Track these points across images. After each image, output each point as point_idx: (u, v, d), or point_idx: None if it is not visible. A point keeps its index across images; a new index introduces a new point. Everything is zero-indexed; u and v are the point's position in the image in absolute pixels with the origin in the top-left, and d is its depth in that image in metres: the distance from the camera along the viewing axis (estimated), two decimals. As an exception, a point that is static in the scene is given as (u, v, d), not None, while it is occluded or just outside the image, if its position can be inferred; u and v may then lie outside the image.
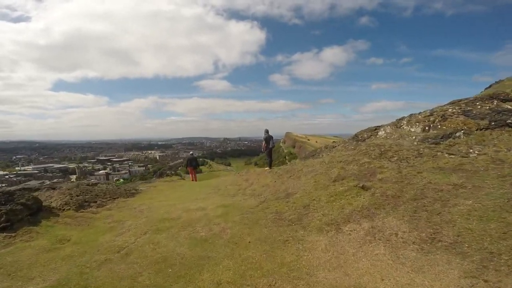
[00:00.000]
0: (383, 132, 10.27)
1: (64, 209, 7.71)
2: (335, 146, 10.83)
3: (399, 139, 9.28)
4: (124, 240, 5.77)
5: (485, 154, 7.20)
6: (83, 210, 7.87)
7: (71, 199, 8.30)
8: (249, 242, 5.19)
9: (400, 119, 10.57)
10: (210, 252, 4.97)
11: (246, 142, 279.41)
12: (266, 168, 13.70)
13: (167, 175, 18.49)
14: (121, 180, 18.58)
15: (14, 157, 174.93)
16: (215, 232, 5.72)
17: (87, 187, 9.86)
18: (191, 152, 20.21)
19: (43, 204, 7.54)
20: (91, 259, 5.02)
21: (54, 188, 9.44)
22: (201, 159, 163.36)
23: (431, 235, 4.56)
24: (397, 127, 10.17)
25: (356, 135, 11.07)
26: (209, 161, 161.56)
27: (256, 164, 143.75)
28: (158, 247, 5.31)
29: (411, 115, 10.52)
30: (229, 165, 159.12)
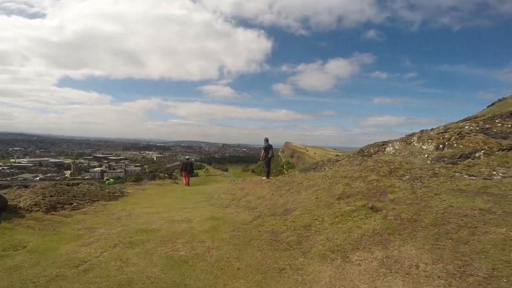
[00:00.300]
0: (391, 148, 9.44)
1: (32, 210, 6.78)
2: (339, 160, 9.98)
3: (409, 156, 8.44)
4: (88, 252, 4.84)
5: (510, 177, 6.38)
6: (54, 213, 6.94)
7: (43, 199, 7.37)
8: (238, 269, 4.26)
9: (410, 135, 9.76)
10: (187, 278, 4.04)
11: (245, 149, 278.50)
12: (263, 178, 12.86)
13: (160, 178, 17.59)
14: (111, 179, 17.71)
15: (11, 148, 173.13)
16: (198, 252, 4.79)
17: (65, 187, 8.93)
18: (187, 157, 19.38)
19: (9, 203, 6.64)
20: (41, 273, 4.09)
21: (26, 186, 8.52)
22: (198, 163, 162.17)
23: (460, 268, 3.68)
24: (406, 143, 9.34)
25: (361, 150, 10.24)
26: (206, 165, 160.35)
27: (253, 172, 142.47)
28: (126, 265, 4.38)
29: (422, 131, 9.72)
30: (226, 170, 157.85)
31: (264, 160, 12.98)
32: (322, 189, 7.34)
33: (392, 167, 7.77)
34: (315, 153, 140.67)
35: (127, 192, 10.92)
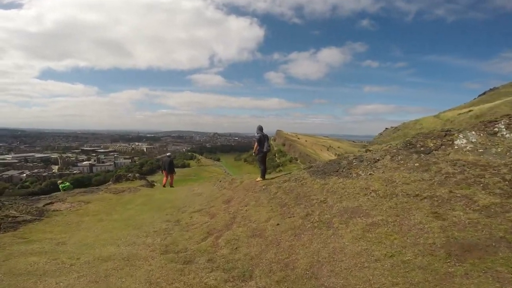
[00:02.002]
0: (464, 140, 5.85)
1: None
2: (377, 159, 6.32)
3: (507, 153, 4.86)
4: None
5: None
6: None
7: None
8: None
9: (489, 121, 6.15)
10: None
11: (237, 138, 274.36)
12: (258, 179, 9.26)
13: (128, 179, 13.73)
14: (66, 184, 13.84)
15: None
16: None
17: None
18: (168, 154, 15.62)
19: None
20: None
21: None
22: (189, 153, 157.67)
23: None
24: (488, 133, 5.75)
25: (410, 143, 6.64)
26: (198, 155, 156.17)
27: (245, 161, 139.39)
28: None
29: (510, 116, 6.10)
30: (218, 160, 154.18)
31: (257, 155, 9.30)
32: (384, 225, 3.65)
33: (491, 172, 4.20)
34: (306, 141, 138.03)
35: (53, 210, 7.12)
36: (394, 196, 4.36)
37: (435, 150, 6.08)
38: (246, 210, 5.97)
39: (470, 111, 47.75)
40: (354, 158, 6.97)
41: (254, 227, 4.85)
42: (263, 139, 9.23)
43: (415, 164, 5.69)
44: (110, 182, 14.07)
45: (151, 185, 13.60)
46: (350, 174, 6.14)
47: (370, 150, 7.26)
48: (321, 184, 6.22)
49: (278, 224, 4.74)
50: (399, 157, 6.24)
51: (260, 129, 9.31)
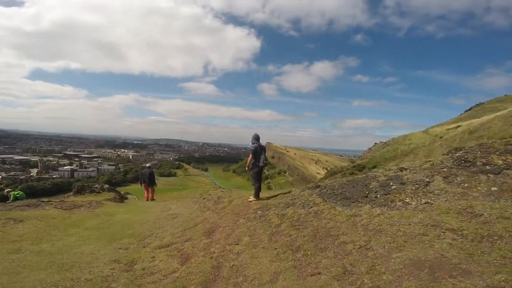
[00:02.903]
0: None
1: None
2: (427, 181, 4.38)
3: None
4: None
5: None
6: None
7: None
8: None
9: None
10: None
11: (226, 149, 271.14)
12: (250, 199, 7.24)
13: (93, 191, 11.31)
14: (17, 192, 11.03)
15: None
16: None
17: None
18: (147, 165, 13.49)
19: None
20: None
21: None
22: (177, 162, 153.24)
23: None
24: None
25: (465, 159, 4.82)
26: (185, 164, 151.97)
27: (234, 172, 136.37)
28: None
29: None
30: (206, 170, 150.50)
31: (251, 169, 7.33)
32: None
33: None
34: (295, 154, 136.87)
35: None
36: (495, 237, 2.40)
37: (507, 169, 4.22)
38: (237, 254, 3.85)
39: (458, 126, 47.37)
40: (388, 179, 5.00)
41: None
42: (259, 150, 7.25)
43: (492, 188, 3.78)
44: (70, 194, 11.61)
45: (121, 198, 11.20)
46: (392, 202, 4.16)
47: (405, 169, 5.32)
48: (348, 216, 4.19)
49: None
50: (458, 179, 4.32)
51: (257, 138, 7.34)
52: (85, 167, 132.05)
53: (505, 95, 66.51)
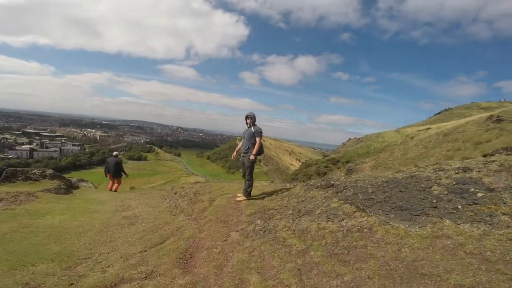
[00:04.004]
0: None
1: None
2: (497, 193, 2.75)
3: None
4: None
5: None
6: None
7: None
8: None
9: None
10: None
11: (201, 135, 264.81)
12: (239, 197, 5.45)
13: (29, 178, 8.66)
14: None
15: None
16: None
17: None
18: (114, 153, 11.13)
19: None
20: None
21: None
22: (148, 145, 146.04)
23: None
24: None
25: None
26: (157, 148, 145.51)
27: (208, 158, 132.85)
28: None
29: None
30: (179, 155, 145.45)
31: (241, 159, 5.54)
32: None
33: None
34: (270, 144, 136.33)
35: None
36: None
37: None
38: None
39: (428, 128, 48.75)
40: (458, 183, 3.32)
41: None
42: (251, 134, 5.46)
43: None
44: None
45: (68, 188, 8.68)
46: (492, 216, 2.49)
47: (470, 169, 3.69)
48: (425, 238, 2.46)
49: None
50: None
51: (250, 117, 5.53)
52: (46, 147, 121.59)
53: (472, 102, 70.37)
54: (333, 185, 5.08)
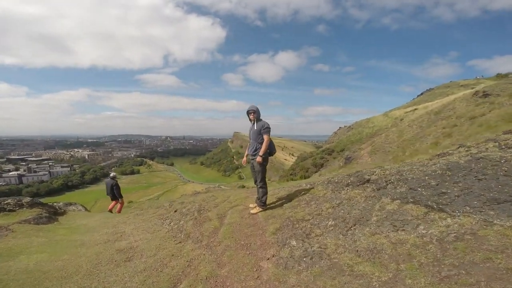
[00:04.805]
0: None
1: None
2: None
3: None
4: None
5: None
6: None
7: None
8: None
9: None
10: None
11: (192, 141, 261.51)
12: (254, 209, 4.41)
13: (2, 210, 7.41)
14: None
15: None
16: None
17: None
18: (111, 174, 9.76)
19: None
20: None
21: None
22: (139, 159, 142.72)
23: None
24: None
25: None
26: (148, 160, 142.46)
27: (202, 164, 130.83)
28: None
29: None
30: (172, 165, 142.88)
31: (251, 163, 4.52)
32: None
33: None
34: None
35: None
36: None
37: None
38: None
39: (415, 109, 48.78)
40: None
41: None
42: (257, 130, 4.45)
43: None
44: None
45: (50, 217, 7.45)
46: None
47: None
48: None
49: None
50: None
51: (253, 112, 4.50)
52: (35, 171, 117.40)
53: (451, 81, 71.50)
54: (368, 180, 4.16)
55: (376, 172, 4.31)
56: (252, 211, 4.48)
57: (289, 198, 5.02)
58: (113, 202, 9.30)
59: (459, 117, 27.67)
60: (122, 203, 9.48)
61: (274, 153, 4.74)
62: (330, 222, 3.28)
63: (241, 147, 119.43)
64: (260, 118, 4.57)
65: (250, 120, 4.55)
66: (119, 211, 9.08)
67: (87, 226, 6.36)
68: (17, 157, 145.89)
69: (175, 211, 5.38)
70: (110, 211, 8.99)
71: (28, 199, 7.92)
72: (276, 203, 4.86)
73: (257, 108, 4.54)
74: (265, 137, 4.41)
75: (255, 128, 4.46)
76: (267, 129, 4.44)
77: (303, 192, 5.08)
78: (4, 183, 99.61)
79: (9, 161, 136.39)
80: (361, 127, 62.30)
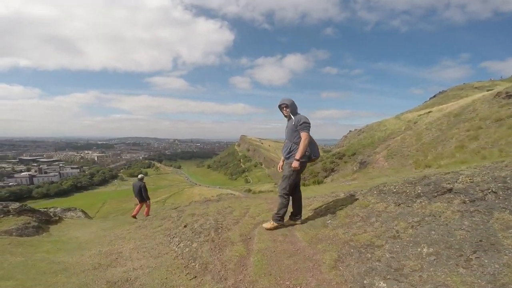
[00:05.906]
0: None
1: None
2: None
3: None
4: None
5: None
6: None
7: None
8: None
9: None
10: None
11: (199, 144, 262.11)
12: (269, 224, 3.22)
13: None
14: None
15: None
16: None
17: None
18: (139, 176, 9.29)
19: None
20: None
21: None
22: (147, 161, 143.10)
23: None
24: None
25: None
26: (156, 163, 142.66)
27: (209, 167, 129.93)
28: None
29: None
30: (179, 167, 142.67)
31: (301, 165, 3.28)
32: None
33: None
34: (269, 145, 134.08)
35: None
36: None
37: None
38: None
39: (429, 112, 46.87)
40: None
41: None
42: (292, 130, 3.23)
43: None
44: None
45: (40, 226, 6.42)
46: None
47: None
48: None
49: None
50: None
51: (288, 105, 3.26)
52: (45, 172, 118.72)
53: (464, 83, 69.15)
54: (451, 189, 2.98)
55: (460, 179, 3.11)
56: (265, 225, 3.47)
57: (331, 211, 3.85)
58: (138, 206, 8.89)
59: (483, 119, 25.92)
60: (149, 206, 9.02)
61: (317, 157, 3.58)
62: (425, 250, 2.10)
63: (248, 150, 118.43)
64: (298, 112, 3.45)
65: (284, 116, 3.50)
66: (147, 214, 8.54)
67: (79, 240, 5.27)
68: (29, 158, 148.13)
69: (185, 226, 4.24)
70: (134, 217, 8.29)
71: (16, 205, 6.91)
72: (316, 219, 3.69)
73: (292, 101, 3.42)
74: (303, 135, 3.27)
75: (291, 124, 3.36)
76: (304, 124, 3.31)
77: (346, 204, 3.92)
78: (16, 183, 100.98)
79: (21, 161, 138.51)
80: (373, 131, 60.45)
